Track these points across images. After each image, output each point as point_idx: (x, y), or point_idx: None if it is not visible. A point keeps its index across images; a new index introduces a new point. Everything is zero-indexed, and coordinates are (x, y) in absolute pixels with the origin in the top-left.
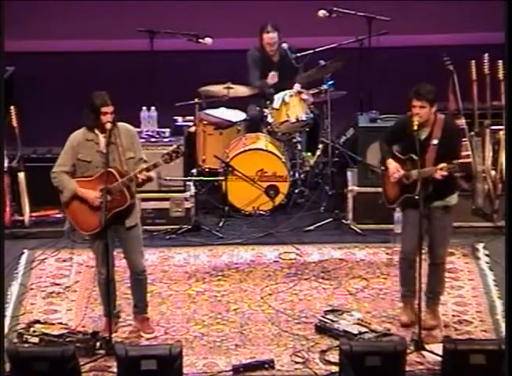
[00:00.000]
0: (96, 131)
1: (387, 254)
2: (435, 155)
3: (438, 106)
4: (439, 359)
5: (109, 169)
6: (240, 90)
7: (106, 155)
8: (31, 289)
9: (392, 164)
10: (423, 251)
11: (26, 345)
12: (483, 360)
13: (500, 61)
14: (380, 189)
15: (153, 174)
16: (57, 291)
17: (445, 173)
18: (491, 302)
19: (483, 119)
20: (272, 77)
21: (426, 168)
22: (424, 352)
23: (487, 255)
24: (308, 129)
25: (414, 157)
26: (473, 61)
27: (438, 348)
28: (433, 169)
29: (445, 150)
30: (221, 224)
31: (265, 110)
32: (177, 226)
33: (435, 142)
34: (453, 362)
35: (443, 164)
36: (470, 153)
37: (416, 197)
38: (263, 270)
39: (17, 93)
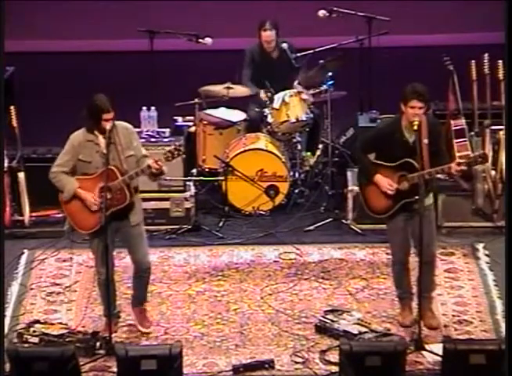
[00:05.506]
0: (96, 133)
1: (387, 254)
2: (428, 154)
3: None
4: (439, 359)
5: (110, 167)
6: (240, 90)
7: (107, 156)
8: (31, 289)
9: (383, 180)
10: (412, 254)
11: (26, 345)
12: (483, 360)
13: (500, 61)
14: None
15: (165, 168)
16: (57, 291)
17: (464, 168)
18: (491, 302)
19: (483, 119)
20: (265, 96)
21: (425, 169)
22: (424, 352)
23: (487, 255)
24: (308, 129)
25: (410, 160)
26: (473, 61)
27: (438, 348)
28: (446, 167)
29: (435, 148)
30: (221, 224)
31: (265, 110)
32: (177, 226)
33: (426, 141)
34: (453, 362)
35: (461, 160)
36: (470, 153)
37: (416, 198)
38: (263, 270)
39: (17, 93)
